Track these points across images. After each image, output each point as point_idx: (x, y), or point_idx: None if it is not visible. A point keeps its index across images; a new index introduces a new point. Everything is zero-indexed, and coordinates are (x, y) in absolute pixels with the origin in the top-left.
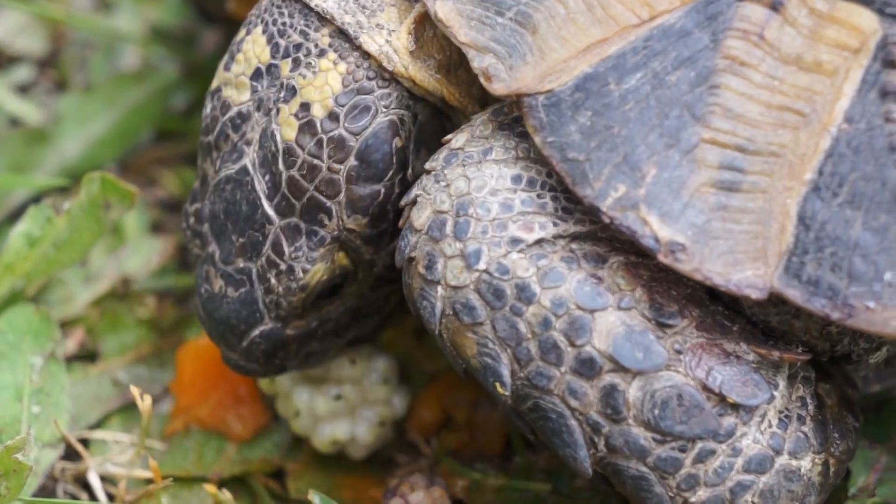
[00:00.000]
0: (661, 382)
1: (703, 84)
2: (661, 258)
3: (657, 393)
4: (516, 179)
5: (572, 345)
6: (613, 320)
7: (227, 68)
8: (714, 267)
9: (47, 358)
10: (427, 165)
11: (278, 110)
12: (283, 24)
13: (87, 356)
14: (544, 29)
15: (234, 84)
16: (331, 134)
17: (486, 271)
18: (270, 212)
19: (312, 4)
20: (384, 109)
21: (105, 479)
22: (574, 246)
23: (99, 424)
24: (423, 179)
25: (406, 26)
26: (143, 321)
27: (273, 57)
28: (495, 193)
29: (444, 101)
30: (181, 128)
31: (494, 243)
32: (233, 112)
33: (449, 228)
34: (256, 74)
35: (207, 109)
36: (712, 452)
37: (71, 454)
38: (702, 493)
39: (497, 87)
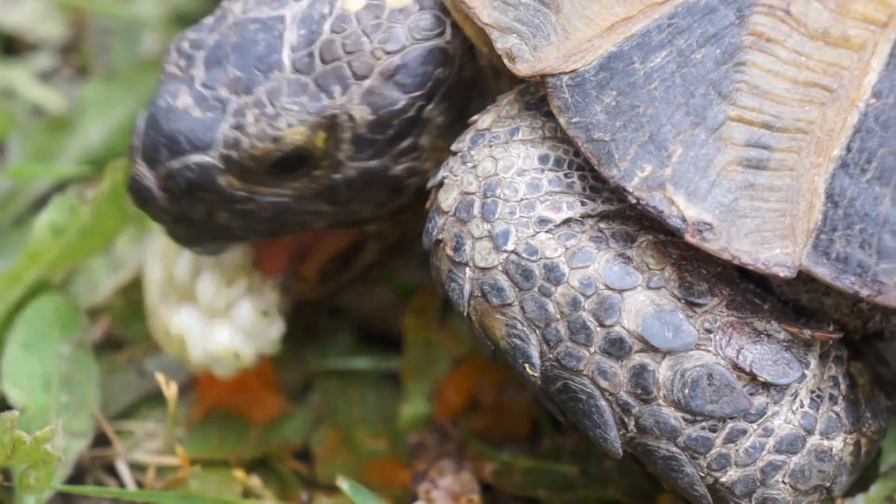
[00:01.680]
0: (692, 362)
1: (730, 61)
2: (689, 238)
3: (687, 372)
4: (543, 159)
5: (601, 325)
6: (643, 300)
7: None
8: (742, 246)
9: (75, 346)
10: (453, 147)
11: None
12: None
13: (113, 344)
14: (568, 8)
15: None
16: (392, 25)
17: (514, 252)
18: (286, 60)
19: None
20: (448, 37)
21: (133, 466)
22: (602, 225)
23: (126, 412)
24: (450, 161)
25: None
26: None
27: None
28: (522, 173)
29: (484, 69)
30: None
31: (522, 224)
32: None
33: (476, 209)
34: None
35: None
36: (743, 432)
37: (99, 442)
38: (732, 473)
39: (521, 68)
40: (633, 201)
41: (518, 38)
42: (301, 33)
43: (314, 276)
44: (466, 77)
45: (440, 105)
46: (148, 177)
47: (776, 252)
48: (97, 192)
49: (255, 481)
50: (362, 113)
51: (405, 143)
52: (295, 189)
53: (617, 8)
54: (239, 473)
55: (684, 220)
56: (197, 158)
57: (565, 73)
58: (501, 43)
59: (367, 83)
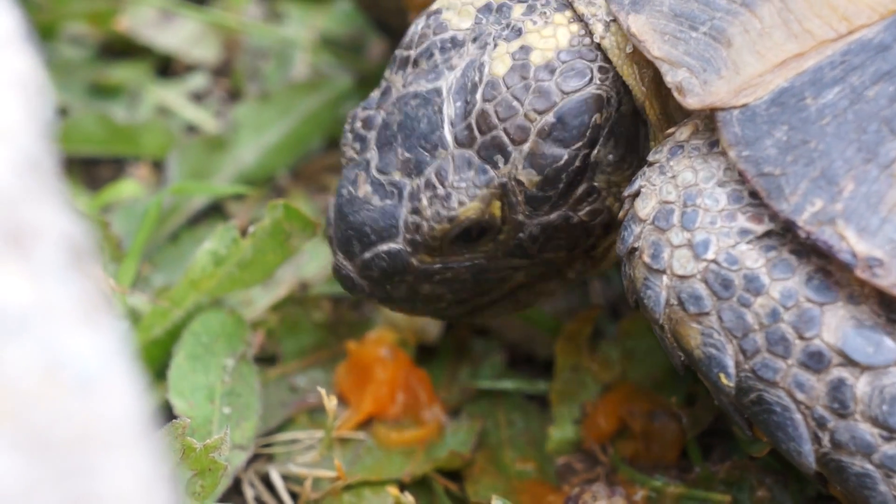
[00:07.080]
0: (891, 378)
1: None
2: (859, 273)
3: (886, 389)
4: None
5: (801, 337)
6: (843, 314)
7: None
8: None
9: (239, 360)
10: (650, 157)
11: (496, 45)
12: None
13: (266, 359)
14: (739, 43)
15: (457, 10)
16: (540, 84)
17: (714, 261)
18: (448, 137)
19: None
20: (598, 82)
21: (287, 478)
22: None
23: (280, 426)
24: (647, 171)
25: None
26: (319, 325)
27: None
28: (723, 184)
29: (643, 110)
30: None
31: (723, 234)
32: (447, 35)
33: (676, 218)
34: (486, 8)
35: (418, 27)
36: None
37: (255, 454)
38: None
39: (690, 102)
40: (803, 236)
41: (688, 72)
42: (457, 105)
43: None
44: (628, 110)
45: (606, 145)
46: (348, 267)
47: None
48: (258, 227)
49: (408, 498)
50: (529, 176)
51: (580, 190)
52: (486, 252)
53: (789, 44)
54: (392, 490)
55: (854, 255)
56: (385, 247)
57: (736, 108)
58: (671, 76)
59: (526, 146)
